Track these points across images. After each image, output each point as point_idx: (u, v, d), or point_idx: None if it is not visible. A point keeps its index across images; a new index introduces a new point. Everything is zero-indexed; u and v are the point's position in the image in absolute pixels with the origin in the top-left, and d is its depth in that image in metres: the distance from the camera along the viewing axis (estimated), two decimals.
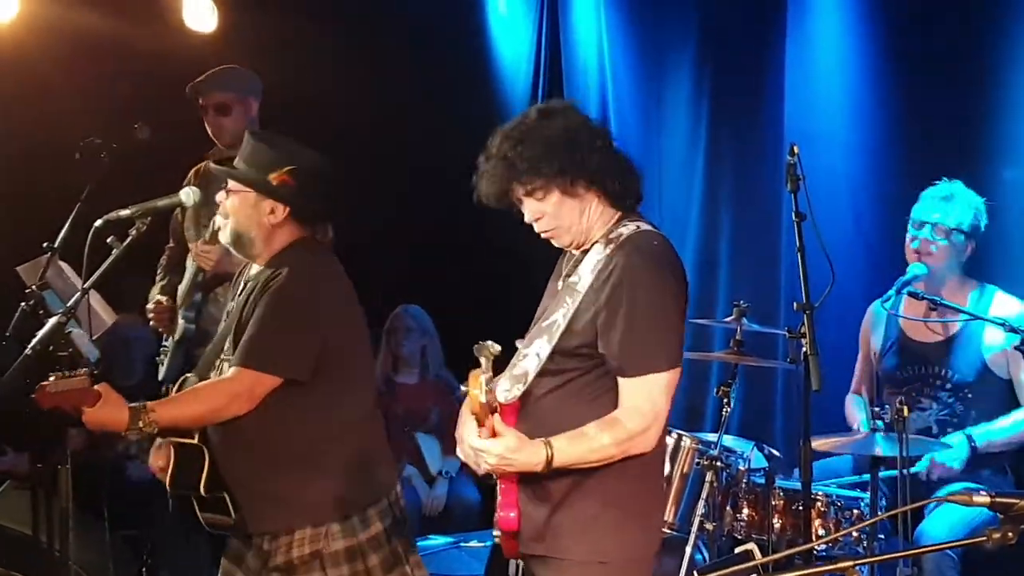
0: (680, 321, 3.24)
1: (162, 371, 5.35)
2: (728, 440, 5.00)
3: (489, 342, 3.05)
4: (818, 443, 4.46)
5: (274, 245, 3.95)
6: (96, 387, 3.63)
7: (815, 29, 6.20)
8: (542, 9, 7.51)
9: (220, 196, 4.02)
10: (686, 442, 4.82)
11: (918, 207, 5.10)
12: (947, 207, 5.02)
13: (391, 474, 4.09)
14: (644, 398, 3.15)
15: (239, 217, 3.94)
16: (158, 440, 3.99)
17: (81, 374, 3.64)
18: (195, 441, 3.83)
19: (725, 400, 4.79)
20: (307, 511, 3.85)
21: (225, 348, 3.94)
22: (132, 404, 3.70)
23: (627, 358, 3.15)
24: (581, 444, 3.13)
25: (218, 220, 4.68)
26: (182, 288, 5.35)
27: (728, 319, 5.02)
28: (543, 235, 3.33)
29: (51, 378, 3.61)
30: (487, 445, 3.11)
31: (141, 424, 3.66)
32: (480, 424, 3.10)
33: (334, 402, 3.88)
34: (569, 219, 3.25)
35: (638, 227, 3.25)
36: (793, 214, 3.98)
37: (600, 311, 3.16)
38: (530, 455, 3.10)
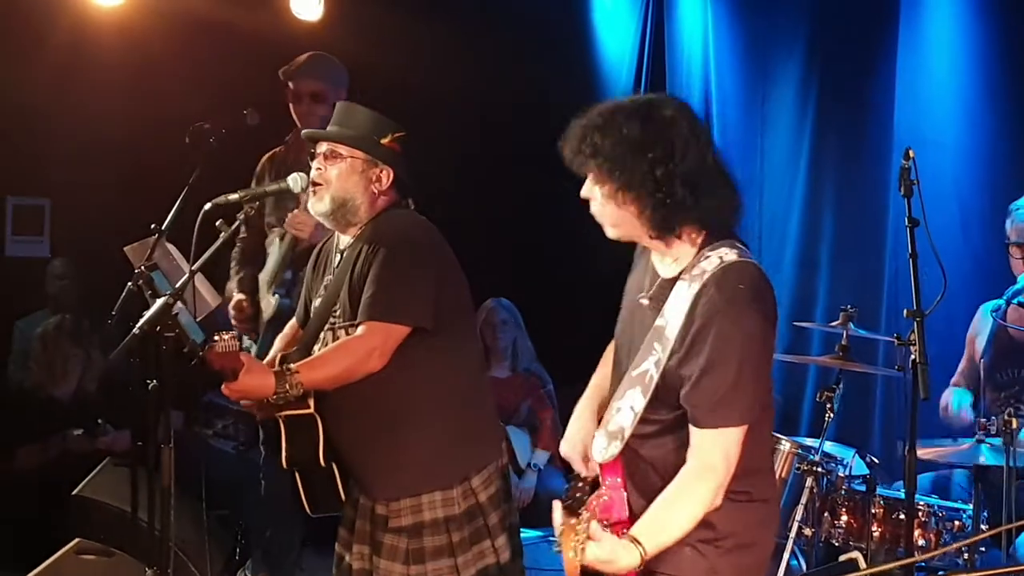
0: (766, 368, 3.08)
1: (254, 350, 5.37)
2: (828, 446, 4.92)
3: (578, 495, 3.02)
4: (922, 451, 4.38)
5: (374, 213, 3.93)
6: (242, 355, 3.65)
7: (928, 31, 6.09)
8: (647, 3, 7.47)
9: (317, 164, 3.97)
10: (785, 446, 4.76)
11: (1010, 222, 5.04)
12: None
13: (503, 433, 4.11)
14: (718, 453, 2.99)
15: (345, 184, 3.90)
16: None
17: (232, 338, 3.64)
18: (310, 410, 3.80)
19: (828, 405, 4.71)
20: (434, 475, 3.85)
21: (333, 317, 3.92)
22: (275, 368, 3.74)
23: (700, 410, 3.00)
24: (666, 527, 2.99)
25: (299, 184, 4.62)
26: (270, 268, 5.35)
27: (834, 323, 4.94)
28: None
29: (217, 338, 3.62)
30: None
31: (287, 386, 3.68)
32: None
33: (452, 357, 3.89)
34: (613, 219, 3.08)
35: (721, 259, 3.02)
36: (906, 219, 3.87)
37: (684, 359, 3.01)
38: (624, 560, 2.97)
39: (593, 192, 3.07)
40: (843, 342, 4.83)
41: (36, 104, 6.97)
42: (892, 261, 5.95)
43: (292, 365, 3.75)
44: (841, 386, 4.80)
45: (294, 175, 4.15)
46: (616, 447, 3.14)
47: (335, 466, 3.88)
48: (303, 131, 4.37)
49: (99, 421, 6.07)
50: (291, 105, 5.49)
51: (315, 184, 3.95)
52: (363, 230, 3.92)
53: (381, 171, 3.91)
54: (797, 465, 4.69)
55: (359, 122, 3.96)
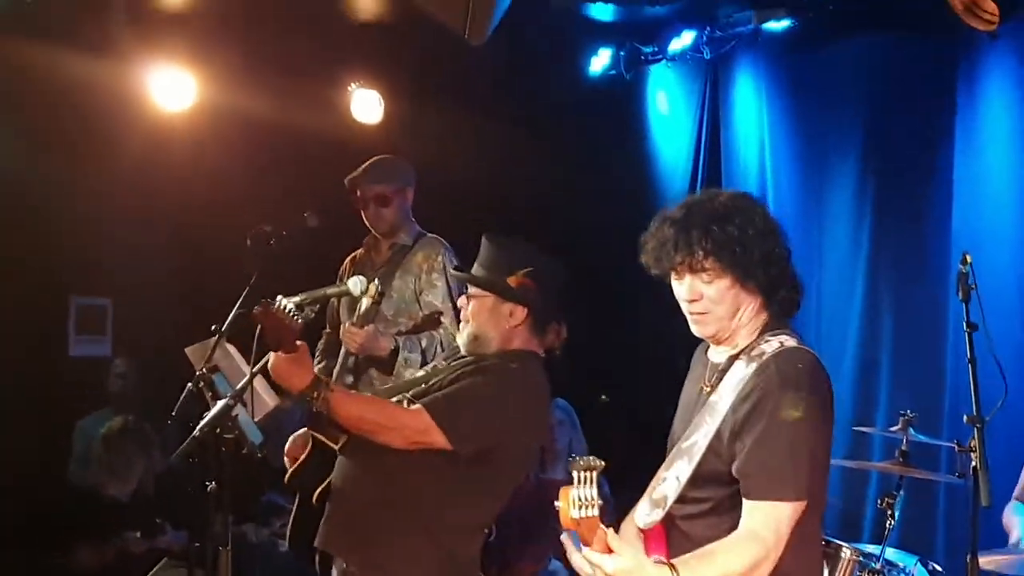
0: (820, 450, 3.04)
1: None
2: (890, 553, 4.83)
3: (589, 457, 2.87)
4: (985, 560, 4.28)
5: (508, 347, 4.03)
6: (299, 343, 3.75)
7: (985, 130, 6.07)
8: (703, 108, 7.54)
9: (461, 302, 4.15)
10: (846, 553, 4.68)
11: None
12: None
13: None
14: (767, 525, 2.96)
15: (479, 320, 4.04)
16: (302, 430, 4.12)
17: (299, 323, 3.73)
18: (336, 447, 3.91)
19: (889, 512, 4.64)
20: (393, 566, 3.88)
21: (407, 395, 3.99)
22: (319, 375, 3.82)
23: (753, 481, 2.99)
24: (709, 569, 2.95)
25: (364, 302, 4.79)
26: (335, 371, 5.42)
27: (893, 428, 4.88)
28: (689, 316, 3.16)
29: (279, 300, 3.71)
30: (598, 560, 2.87)
31: (316, 394, 3.76)
32: (585, 541, 2.88)
33: (474, 489, 3.94)
34: (725, 311, 3.10)
35: (782, 343, 3.08)
36: (964, 324, 3.85)
37: (737, 433, 3.02)
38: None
39: (704, 289, 3.09)
40: (903, 448, 4.78)
41: (99, 205, 7.10)
42: (953, 365, 5.88)
43: (333, 385, 3.87)
44: (902, 492, 4.74)
45: (354, 279, 4.26)
46: (658, 514, 3.14)
47: (325, 509, 3.96)
48: (452, 272, 4.53)
49: (157, 520, 6.10)
50: (360, 210, 5.58)
51: (463, 320, 4.11)
52: (496, 352, 4.04)
53: (513, 308, 4.02)
54: (859, 573, 4.61)
55: (490, 261, 4.10)
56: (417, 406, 3.85)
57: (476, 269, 4.14)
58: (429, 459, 3.83)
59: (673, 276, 3.14)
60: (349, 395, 3.92)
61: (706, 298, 3.09)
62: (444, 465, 3.84)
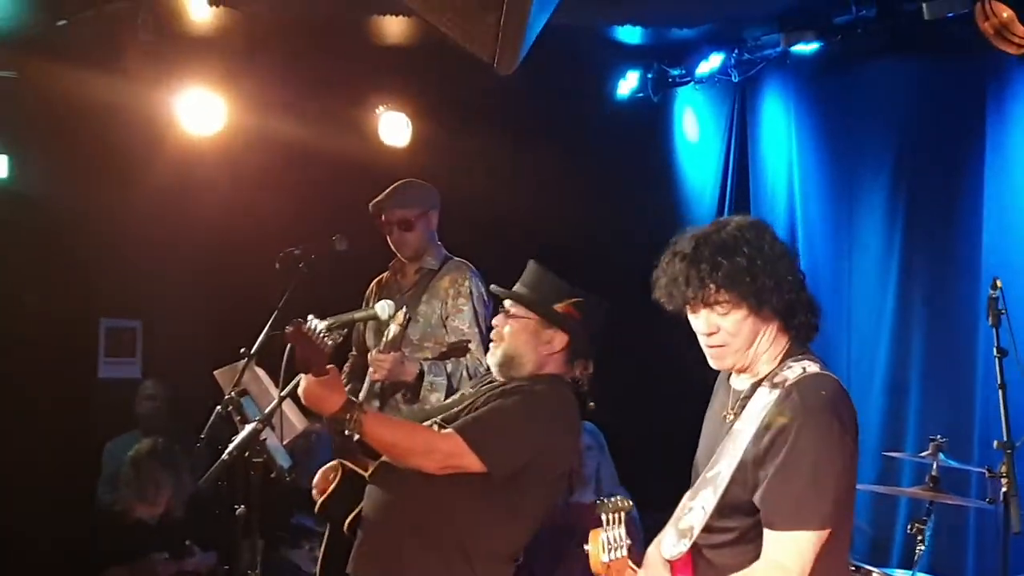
0: (844, 478, 3.00)
1: None
2: None
3: (616, 497, 2.90)
4: None
5: (540, 372, 4.01)
6: (330, 367, 3.72)
7: (1015, 154, 6.02)
8: (731, 130, 7.52)
9: (498, 320, 4.10)
10: None
11: None
12: None
13: None
14: (791, 555, 2.94)
15: (516, 342, 4.01)
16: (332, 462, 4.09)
17: (330, 345, 3.73)
18: (366, 474, 3.89)
19: (919, 537, 4.61)
20: None
21: (439, 419, 3.98)
22: (351, 398, 3.78)
23: (776, 511, 2.96)
24: None
25: (392, 329, 4.78)
26: (361, 396, 5.42)
27: (924, 454, 4.85)
28: (708, 350, 3.15)
29: (310, 319, 3.69)
30: None
31: (349, 417, 3.72)
32: None
33: (509, 512, 3.90)
34: (742, 342, 3.08)
35: (804, 369, 3.05)
36: (994, 349, 3.83)
37: (760, 462, 2.99)
38: None
39: (720, 321, 3.07)
40: (933, 473, 4.74)
41: (129, 228, 7.15)
42: (983, 389, 5.83)
43: (366, 407, 3.84)
44: (932, 518, 4.71)
45: (382, 303, 4.25)
46: (684, 545, 3.11)
47: (356, 538, 3.93)
48: (493, 288, 4.48)
49: (186, 543, 6.11)
50: (386, 234, 5.60)
51: (493, 340, 4.09)
52: (526, 376, 4.01)
53: (555, 334, 4.00)
54: None
55: (540, 285, 4.07)
56: (449, 430, 3.82)
57: (520, 288, 4.11)
58: (462, 483, 3.80)
59: (688, 310, 3.12)
60: (382, 418, 3.90)
61: (723, 330, 3.08)
62: (477, 489, 3.82)
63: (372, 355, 5.25)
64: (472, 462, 3.78)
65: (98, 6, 5.65)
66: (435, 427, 3.92)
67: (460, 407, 3.99)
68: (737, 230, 3.07)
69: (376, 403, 5.32)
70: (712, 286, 3.01)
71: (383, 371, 5.16)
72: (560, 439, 4.00)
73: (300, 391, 3.76)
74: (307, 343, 3.66)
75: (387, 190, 5.60)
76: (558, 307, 3.98)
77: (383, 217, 5.57)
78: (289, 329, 3.66)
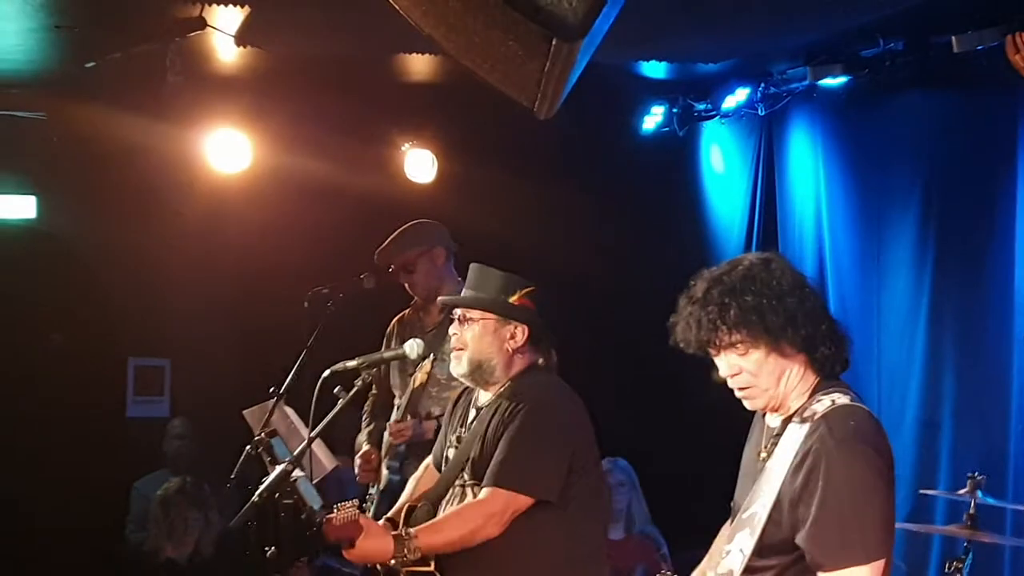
0: (885, 505, 2.94)
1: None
2: None
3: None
4: None
5: (511, 371, 3.98)
6: (362, 521, 3.70)
7: None
8: (758, 164, 7.49)
9: (453, 329, 4.06)
10: None
11: None
12: None
13: None
14: None
15: (479, 345, 3.98)
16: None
17: (352, 507, 3.70)
18: (431, 568, 3.81)
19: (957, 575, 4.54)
20: None
21: (464, 476, 3.94)
22: (394, 532, 3.76)
23: (822, 551, 2.90)
24: None
25: (418, 376, 4.75)
26: (387, 438, 5.40)
27: (961, 491, 4.78)
28: (736, 392, 3.12)
29: (336, 510, 3.68)
30: None
31: (406, 551, 3.70)
32: None
33: (574, 527, 3.87)
34: (768, 380, 3.04)
35: (833, 401, 3.00)
36: None
37: (797, 501, 2.94)
38: None
39: (741, 363, 3.04)
40: (971, 511, 4.67)
41: (157, 267, 7.17)
42: (1018, 423, 5.76)
43: (412, 530, 3.78)
44: (970, 556, 4.64)
45: (410, 342, 4.22)
46: None
47: None
48: (439, 299, 4.51)
49: None
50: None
51: (455, 348, 4.04)
52: (503, 390, 3.98)
53: (515, 328, 3.98)
54: None
55: (489, 283, 4.05)
56: (487, 489, 3.79)
57: (467, 294, 4.09)
58: (523, 527, 3.78)
59: (711, 352, 3.10)
60: (431, 530, 3.80)
61: (745, 372, 3.05)
62: (539, 525, 3.80)
63: (391, 425, 5.30)
64: (526, 502, 3.77)
65: (126, 48, 5.69)
66: (468, 490, 3.89)
67: (474, 452, 3.92)
68: (747, 269, 3.05)
69: (403, 447, 5.29)
70: (723, 327, 2.99)
71: (404, 438, 5.19)
72: (577, 421, 3.97)
73: (349, 558, 3.78)
74: (342, 529, 3.67)
75: (390, 238, 5.58)
76: (513, 300, 3.97)
77: (391, 267, 5.57)
78: (327, 526, 3.67)
